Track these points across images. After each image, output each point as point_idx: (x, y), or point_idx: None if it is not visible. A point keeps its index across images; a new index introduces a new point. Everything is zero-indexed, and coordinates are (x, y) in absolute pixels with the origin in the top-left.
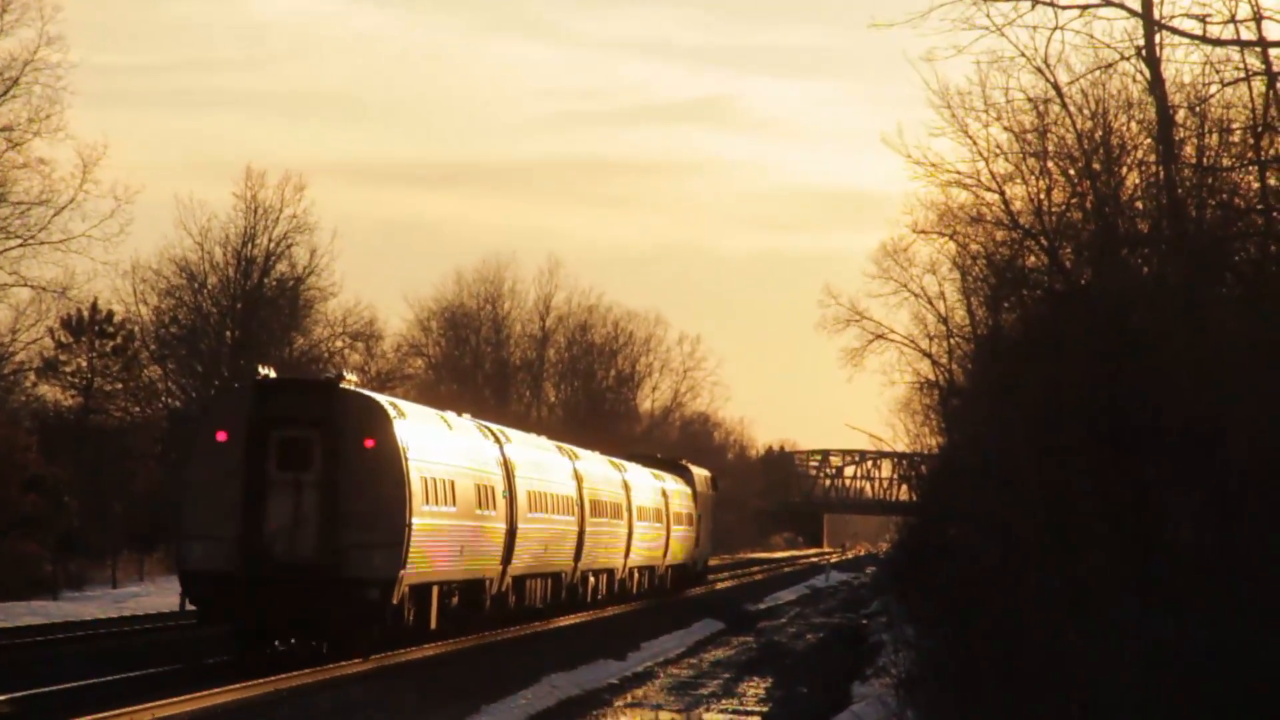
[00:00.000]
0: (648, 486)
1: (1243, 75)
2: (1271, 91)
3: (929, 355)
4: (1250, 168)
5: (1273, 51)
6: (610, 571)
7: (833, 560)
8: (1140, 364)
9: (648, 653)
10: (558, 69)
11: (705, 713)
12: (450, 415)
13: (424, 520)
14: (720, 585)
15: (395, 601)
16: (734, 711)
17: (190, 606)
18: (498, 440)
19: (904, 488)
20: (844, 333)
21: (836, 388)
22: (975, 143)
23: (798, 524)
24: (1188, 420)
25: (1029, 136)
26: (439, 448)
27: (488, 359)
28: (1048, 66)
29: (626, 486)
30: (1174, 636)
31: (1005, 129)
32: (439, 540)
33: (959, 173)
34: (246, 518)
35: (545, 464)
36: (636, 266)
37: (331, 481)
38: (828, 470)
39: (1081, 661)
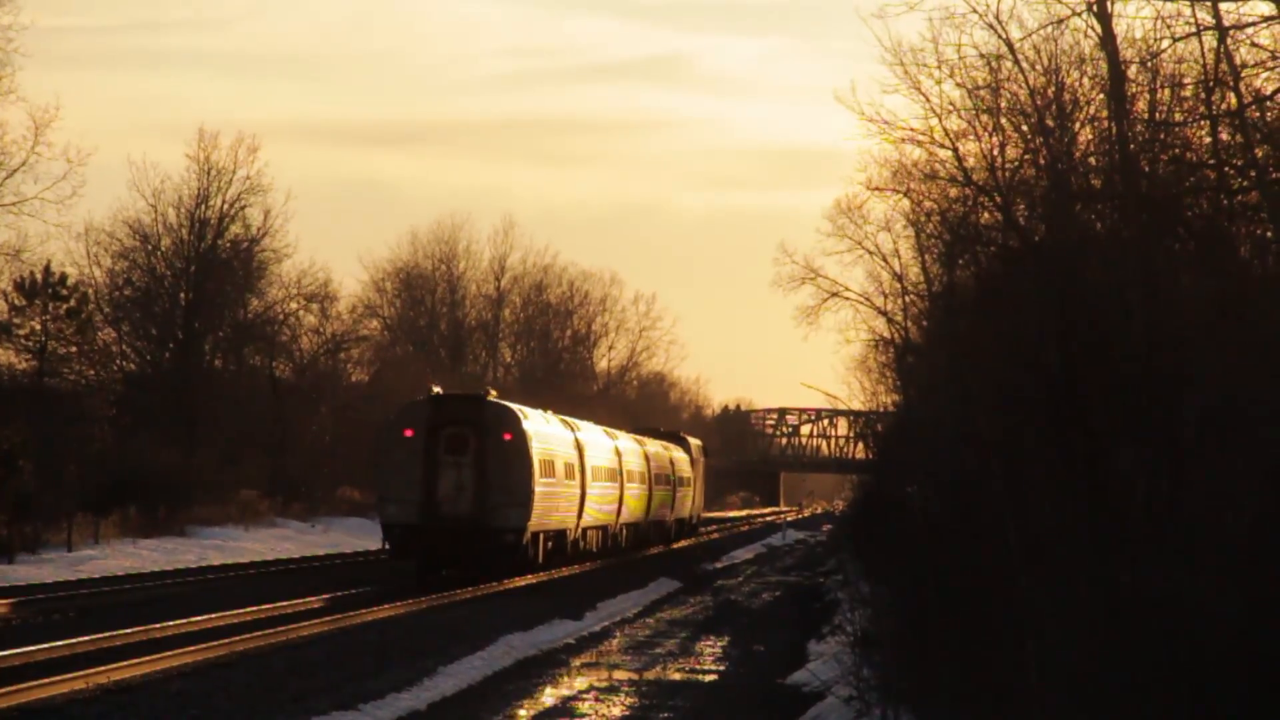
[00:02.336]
0: (661, 457)
1: (1194, 30)
2: (1222, 46)
3: (884, 313)
4: (1202, 122)
5: (1224, 6)
6: (636, 524)
7: (789, 519)
8: (1093, 319)
9: (604, 612)
10: (512, 28)
11: (662, 672)
12: (549, 414)
13: (540, 488)
14: (679, 545)
15: (523, 542)
16: (691, 670)
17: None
18: (572, 428)
19: (860, 445)
20: (799, 291)
21: (792, 346)
22: (928, 99)
23: (754, 483)
24: (1141, 374)
25: (982, 93)
26: (547, 437)
27: (443, 320)
28: (1000, 23)
29: (645, 458)
30: (1127, 587)
31: (958, 85)
32: (548, 502)
33: (912, 129)
34: (425, 487)
35: (599, 444)
36: (592, 226)
37: (482, 462)
38: (784, 429)
39: (1035, 614)
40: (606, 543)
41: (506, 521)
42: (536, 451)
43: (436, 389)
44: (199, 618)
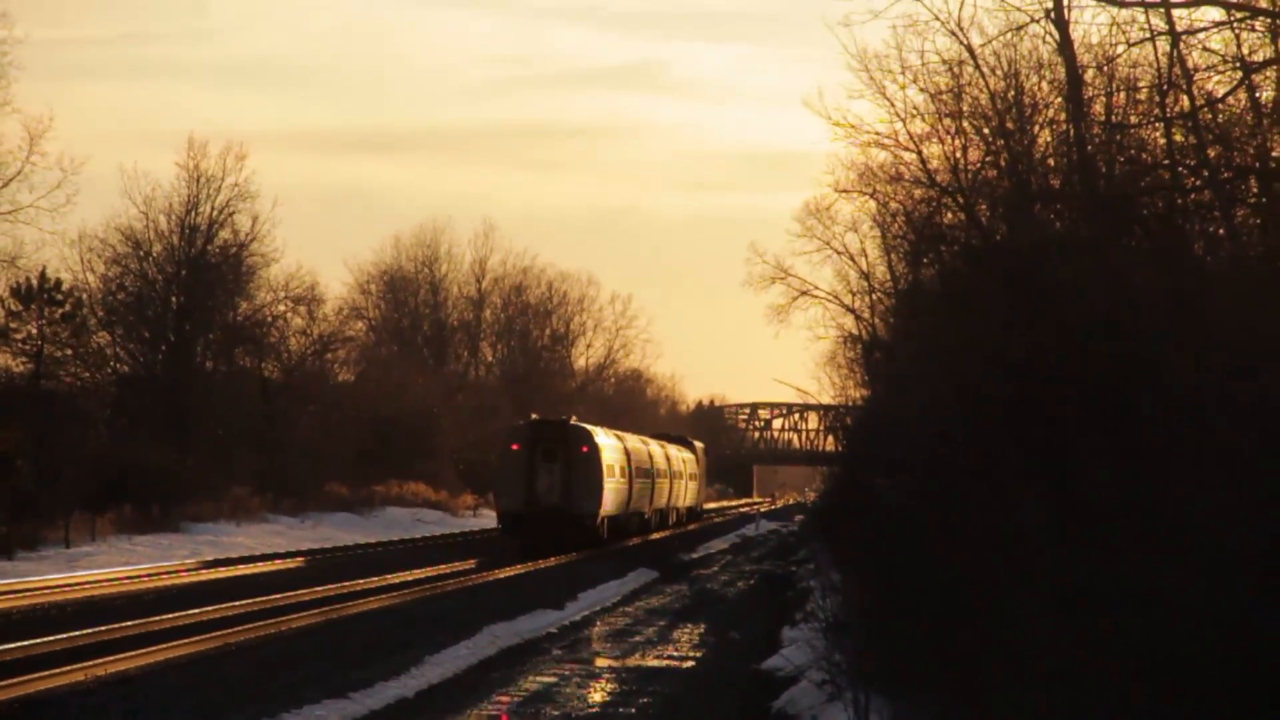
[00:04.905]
0: (675, 457)
1: (1148, 36)
2: (1175, 51)
3: (852, 310)
4: (1156, 124)
5: (1176, 12)
6: (662, 510)
7: (762, 510)
8: (1054, 315)
9: (585, 601)
10: (493, 37)
11: (641, 659)
12: (609, 430)
13: (607, 486)
14: (655, 536)
15: (596, 524)
16: (669, 657)
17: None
18: (621, 439)
19: (830, 439)
20: (770, 290)
21: (764, 343)
22: (893, 104)
23: (728, 475)
24: (1100, 369)
25: (944, 97)
26: (610, 448)
27: (426, 320)
28: (961, 29)
29: (667, 459)
30: (1089, 578)
31: (921, 90)
32: (611, 495)
33: (877, 133)
34: (527, 485)
35: (639, 450)
36: (570, 229)
37: (568, 468)
38: (756, 423)
39: (1001, 601)
40: (644, 523)
41: (585, 509)
42: (604, 459)
43: (535, 415)
44: (195, 610)
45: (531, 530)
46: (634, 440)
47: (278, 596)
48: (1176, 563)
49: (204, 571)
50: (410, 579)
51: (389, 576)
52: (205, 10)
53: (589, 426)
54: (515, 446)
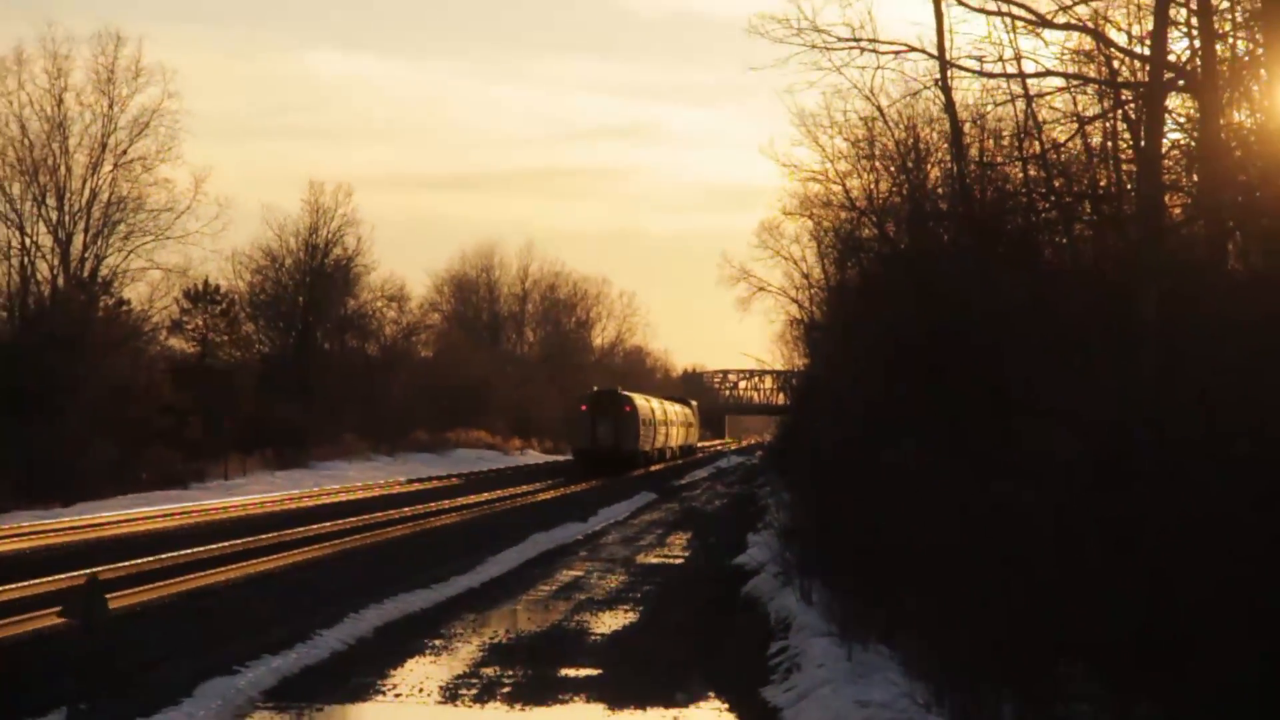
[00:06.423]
0: (680, 412)
1: (1009, 98)
2: (1029, 109)
3: (797, 301)
4: (1016, 163)
5: (1029, 80)
6: (674, 447)
7: (733, 448)
8: (942, 309)
9: (603, 516)
10: (532, 104)
11: (645, 558)
12: (641, 395)
13: (641, 433)
14: (655, 468)
15: (633, 456)
16: (666, 556)
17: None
18: (648, 401)
19: (781, 395)
20: (736, 286)
21: (732, 326)
22: (824, 150)
23: (707, 424)
24: (976, 354)
25: (861, 144)
26: (643, 407)
27: (484, 312)
28: (873, 94)
29: (675, 413)
30: (966, 495)
31: (845, 139)
32: (642, 438)
33: (813, 171)
34: (591, 433)
35: (659, 407)
36: (589, 243)
37: (618, 420)
38: (727, 384)
39: (899, 515)
40: (660, 455)
41: (626, 447)
42: (640, 415)
43: (595, 388)
44: (318, 525)
45: (594, 461)
46: (655, 401)
47: (380, 515)
48: (1028, 483)
49: (324, 496)
50: (475, 501)
51: (458, 499)
52: (319, 88)
53: (629, 394)
54: (584, 408)
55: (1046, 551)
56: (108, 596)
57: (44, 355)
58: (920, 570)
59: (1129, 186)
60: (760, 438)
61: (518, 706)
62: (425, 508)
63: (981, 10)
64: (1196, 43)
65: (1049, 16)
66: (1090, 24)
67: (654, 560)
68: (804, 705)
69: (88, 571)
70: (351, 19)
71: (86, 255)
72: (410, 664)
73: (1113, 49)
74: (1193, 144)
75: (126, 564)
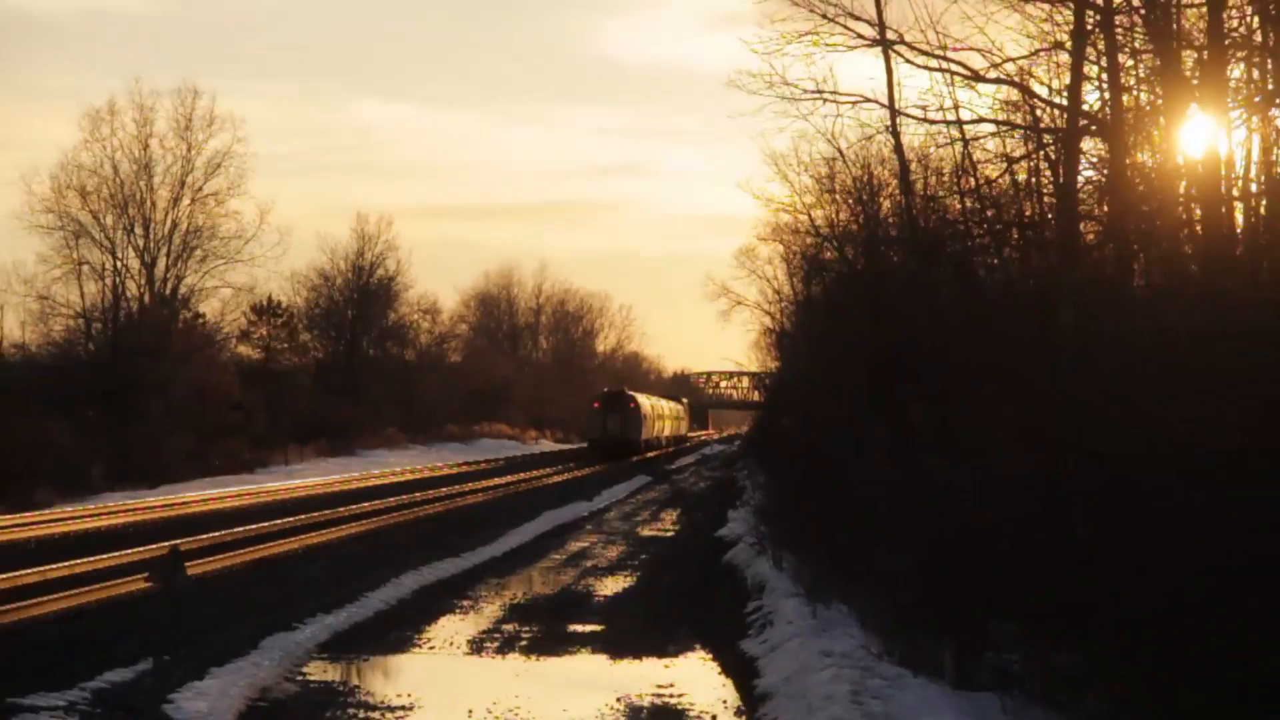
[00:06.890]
0: (673, 408)
1: (949, 142)
2: (965, 151)
3: (769, 314)
4: (955, 196)
5: (966, 126)
6: (666, 437)
7: (715, 439)
8: (892, 320)
9: (606, 496)
10: (544, 145)
11: (642, 531)
12: (642, 394)
13: (643, 426)
14: (651, 455)
15: (636, 445)
16: (659, 529)
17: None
18: (649, 399)
19: (757, 393)
20: (718, 300)
21: (716, 334)
22: (792, 185)
23: (694, 417)
24: (921, 358)
25: (824, 180)
26: (644, 404)
27: (505, 323)
28: (834, 138)
29: (667, 409)
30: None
31: (810, 176)
32: (644, 430)
33: (783, 203)
34: (602, 425)
35: (655, 403)
36: (594, 265)
37: (624, 415)
38: (711, 384)
39: (855, 496)
40: (657, 444)
41: (632, 438)
42: (642, 410)
43: (606, 388)
44: (364, 504)
45: (605, 450)
46: (653, 399)
47: (417, 495)
48: (962, 471)
49: (370, 480)
50: (497, 483)
51: (483, 482)
52: (364, 132)
53: (633, 393)
54: (596, 405)
55: (981, 528)
56: (186, 564)
57: (132, 361)
58: (871, 543)
59: (1050, 216)
60: (738, 429)
61: (534, 657)
62: (455, 489)
63: (925, 67)
64: (1107, 94)
65: (982, 72)
66: (1017, 78)
67: (649, 533)
68: (776, 655)
69: (170, 543)
70: (393, 72)
71: (168, 276)
72: (442, 621)
73: (1036, 100)
74: (1104, 180)
75: (202, 537)
